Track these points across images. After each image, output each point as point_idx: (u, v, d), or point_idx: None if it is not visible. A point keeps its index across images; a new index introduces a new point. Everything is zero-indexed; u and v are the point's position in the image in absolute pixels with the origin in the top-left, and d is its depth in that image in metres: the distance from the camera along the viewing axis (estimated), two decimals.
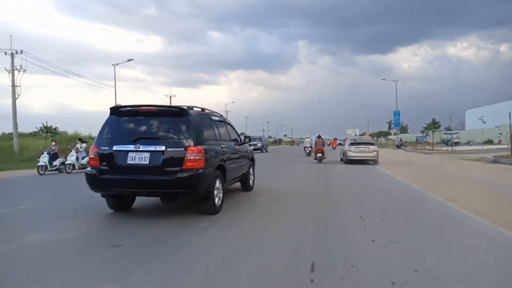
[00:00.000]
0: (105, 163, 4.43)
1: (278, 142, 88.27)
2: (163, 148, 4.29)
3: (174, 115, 4.63)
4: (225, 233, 3.76)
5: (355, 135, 43.73)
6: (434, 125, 37.92)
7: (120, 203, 4.90)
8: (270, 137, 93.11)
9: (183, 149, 4.28)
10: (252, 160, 7.14)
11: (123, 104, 5.97)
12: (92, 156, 4.57)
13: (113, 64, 25.41)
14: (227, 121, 6.39)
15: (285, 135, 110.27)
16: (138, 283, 2.45)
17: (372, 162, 15.07)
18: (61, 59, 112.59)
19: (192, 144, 4.34)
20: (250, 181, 6.93)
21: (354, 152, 15.38)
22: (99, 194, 4.70)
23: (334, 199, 5.98)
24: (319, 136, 17.67)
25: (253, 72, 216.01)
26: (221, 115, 6.16)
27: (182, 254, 3.07)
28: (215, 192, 4.64)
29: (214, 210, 4.65)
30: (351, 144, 15.81)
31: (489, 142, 36.87)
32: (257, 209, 5.14)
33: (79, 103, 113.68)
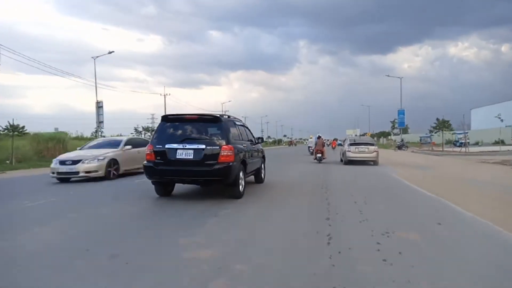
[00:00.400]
0: (159, 158, 6.13)
1: (277, 142, 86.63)
2: (203, 146, 6.01)
3: (210, 122, 6.47)
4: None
5: (355, 135, 42.97)
6: (443, 124, 35.59)
7: (165, 190, 6.72)
8: (269, 137, 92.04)
9: (218, 147, 6.00)
10: (263, 157, 9.05)
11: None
12: (148, 152, 6.28)
13: (92, 57, 24.64)
14: (245, 125, 8.25)
15: (284, 136, 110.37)
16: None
17: (372, 163, 15.64)
18: (61, 59, 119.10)
19: (224, 143, 6.06)
20: (262, 175, 8.81)
21: (353, 153, 15.65)
22: None
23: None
24: (319, 137, 18.62)
25: (253, 73, 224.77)
26: (240, 120, 8.07)
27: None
28: (240, 181, 6.44)
29: (239, 195, 6.43)
30: (351, 144, 16.09)
31: (500, 142, 35.19)
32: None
33: (79, 104, 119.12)
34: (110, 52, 25.42)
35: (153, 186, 6.65)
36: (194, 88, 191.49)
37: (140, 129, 29.81)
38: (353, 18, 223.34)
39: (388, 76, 46.68)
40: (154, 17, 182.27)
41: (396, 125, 49.86)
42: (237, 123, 7.49)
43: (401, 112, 47.41)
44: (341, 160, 17.49)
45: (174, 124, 6.49)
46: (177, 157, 6.10)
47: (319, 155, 17.33)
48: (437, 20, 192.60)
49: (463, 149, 27.49)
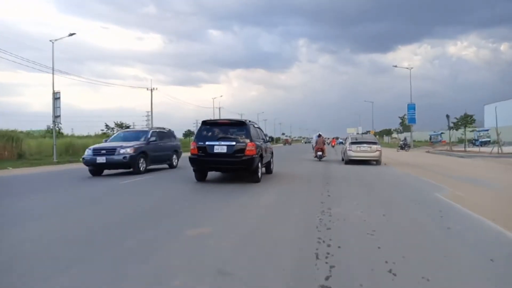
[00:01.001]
0: (201, 152, 9.26)
1: (275, 141, 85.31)
2: (234, 143, 9.15)
3: (238, 125, 9.70)
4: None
5: (357, 133, 41.69)
6: (466, 120, 30.25)
7: (202, 176, 9.90)
8: (266, 135, 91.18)
9: (244, 144, 9.17)
10: (272, 153, 12.16)
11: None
12: (192, 147, 9.42)
13: (51, 40, 24.96)
14: (260, 127, 11.61)
15: (283, 134, 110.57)
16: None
17: (374, 163, 16.23)
18: (61, 58, 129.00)
19: (248, 141, 9.22)
20: (271, 167, 12.00)
21: (355, 152, 15.98)
22: None
23: None
24: (319, 135, 20.15)
25: (253, 71, 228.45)
26: (257, 123, 11.39)
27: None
28: (259, 169, 9.72)
29: (258, 180, 9.63)
30: (352, 143, 16.40)
31: None
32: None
33: (78, 102, 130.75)
34: (70, 35, 24.21)
35: (193, 173, 9.95)
36: (193, 86, 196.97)
37: (112, 125, 27.46)
38: (353, 17, 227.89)
39: (396, 66, 45.24)
40: (154, 16, 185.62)
41: (406, 122, 46.52)
42: (255, 126, 10.77)
43: (411, 107, 43.75)
44: (342, 159, 18.03)
45: (211, 127, 9.58)
46: (215, 151, 9.11)
47: (319, 153, 18.89)
48: (436, 19, 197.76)
49: (495, 149, 24.53)
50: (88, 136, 35.64)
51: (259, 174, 9.70)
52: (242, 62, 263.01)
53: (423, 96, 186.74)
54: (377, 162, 16.04)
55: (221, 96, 75.55)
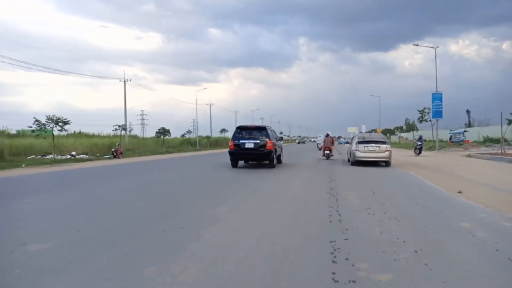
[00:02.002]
0: (236, 147, 16.04)
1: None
2: (258, 141, 15.65)
3: (260, 129, 16.16)
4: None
5: (360, 132, 42.01)
6: None
7: (236, 163, 16.66)
8: None
9: (265, 142, 15.65)
10: (281, 148, 18.76)
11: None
12: (230, 145, 16.36)
13: None
14: (274, 130, 18.17)
15: (281, 133, 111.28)
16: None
17: (383, 164, 16.91)
18: (60, 57, 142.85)
19: (268, 140, 15.65)
20: (281, 159, 18.70)
21: (362, 152, 16.35)
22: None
23: None
24: (327, 135, 22.36)
25: (253, 70, 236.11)
26: (270, 127, 18.06)
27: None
28: (274, 159, 16.13)
29: (274, 166, 16.56)
30: (359, 142, 16.81)
31: None
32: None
33: (77, 101, 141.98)
34: None
35: (230, 162, 16.89)
36: (193, 85, 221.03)
37: (43, 121, 23.57)
38: (353, 16, 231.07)
39: (417, 45, 39.27)
40: (153, 15, 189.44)
41: (426, 117, 37.48)
42: (271, 129, 17.84)
43: (436, 97, 34.70)
44: (348, 160, 19.12)
45: (242, 130, 16.24)
46: (246, 146, 15.48)
47: (327, 152, 21.24)
48: (437, 18, 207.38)
49: None
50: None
51: (274, 162, 16.91)
52: (243, 61, 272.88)
53: (424, 94, 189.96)
54: (386, 163, 16.05)
55: (205, 88, 76.16)
